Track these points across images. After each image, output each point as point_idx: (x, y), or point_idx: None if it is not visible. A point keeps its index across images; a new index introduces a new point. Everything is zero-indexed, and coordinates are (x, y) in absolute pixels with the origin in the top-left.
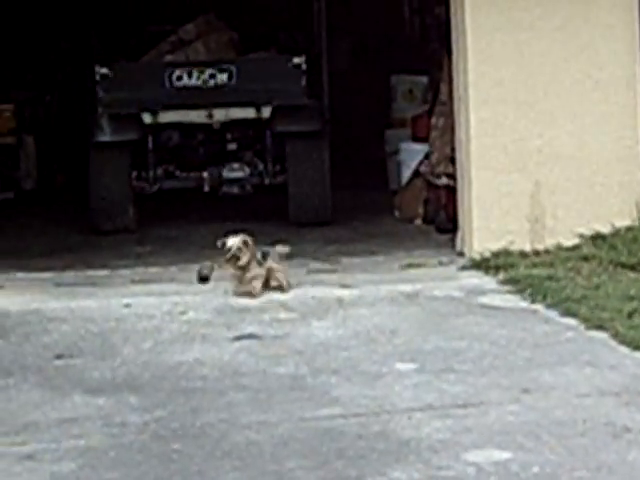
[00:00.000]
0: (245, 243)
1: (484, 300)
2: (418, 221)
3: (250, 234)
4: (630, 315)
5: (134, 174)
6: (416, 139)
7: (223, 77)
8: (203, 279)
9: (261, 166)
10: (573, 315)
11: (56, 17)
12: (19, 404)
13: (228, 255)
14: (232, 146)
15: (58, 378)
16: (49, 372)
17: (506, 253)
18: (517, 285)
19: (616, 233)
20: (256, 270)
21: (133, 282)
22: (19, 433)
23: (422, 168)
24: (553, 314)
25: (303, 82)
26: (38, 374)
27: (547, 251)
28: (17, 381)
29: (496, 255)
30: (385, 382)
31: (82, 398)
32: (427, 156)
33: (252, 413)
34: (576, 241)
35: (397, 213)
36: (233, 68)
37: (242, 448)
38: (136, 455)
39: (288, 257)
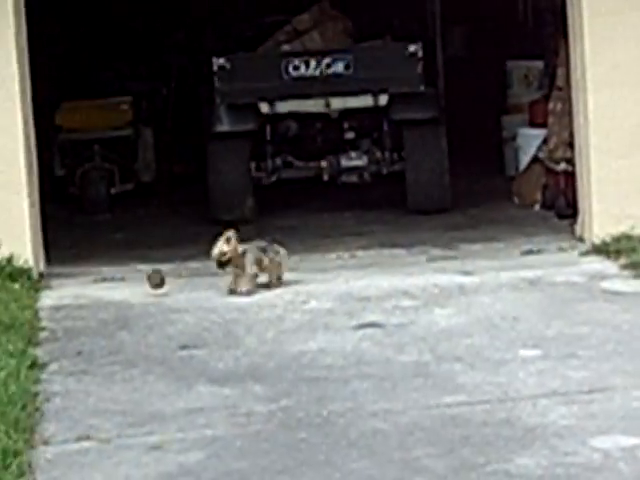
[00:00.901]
0: (227, 240)
1: (606, 285)
2: (537, 207)
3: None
4: None
5: (253, 164)
6: (533, 124)
7: (340, 66)
8: (157, 286)
9: (379, 154)
10: None
11: (172, 9)
12: (145, 395)
13: (216, 263)
14: (349, 135)
15: (182, 369)
16: (173, 363)
17: (627, 238)
18: (639, 270)
19: None
20: (250, 269)
21: None
22: (145, 424)
23: (540, 154)
24: None
25: (419, 69)
26: (162, 365)
27: None
28: (142, 372)
29: (617, 240)
30: (509, 369)
31: (207, 388)
32: (545, 141)
33: (377, 401)
34: None
35: (516, 199)
36: (349, 57)
37: (368, 436)
38: (262, 444)
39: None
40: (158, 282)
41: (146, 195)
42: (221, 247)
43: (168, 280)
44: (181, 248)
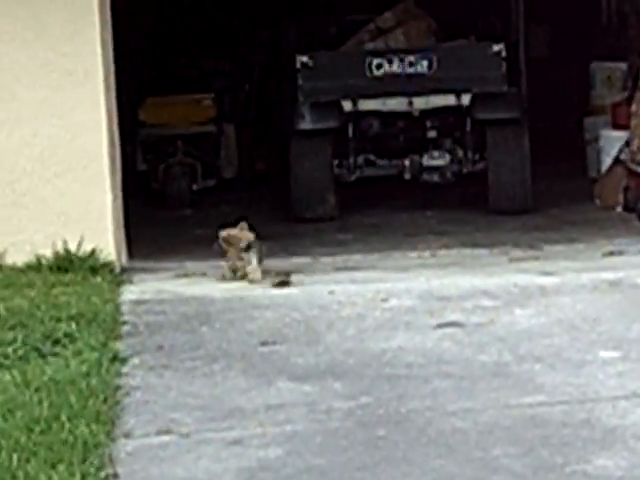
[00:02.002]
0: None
1: None
2: (618, 209)
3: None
4: None
5: (335, 162)
6: (616, 126)
7: (423, 65)
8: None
9: (461, 154)
10: None
11: (255, 6)
12: (225, 390)
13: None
14: (432, 134)
15: (263, 364)
16: (254, 359)
17: None
18: None
19: None
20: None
21: (336, 269)
22: (225, 419)
23: (622, 155)
24: None
25: (503, 69)
26: (243, 360)
27: None
28: (222, 367)
29: None
30: (589, 370)
31: (287, 384)
32: (627, 143)
33: (457, 400)
34: None
35: (597, 201)
36: (433, 56)
37: (447, 435)
38: (342, 441)
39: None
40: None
41: (228, 191)
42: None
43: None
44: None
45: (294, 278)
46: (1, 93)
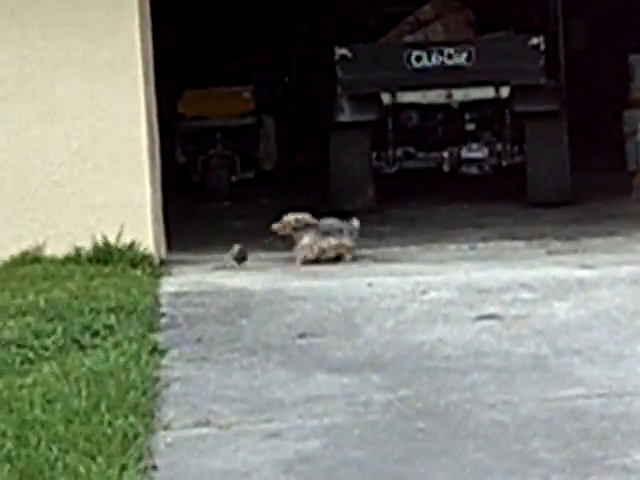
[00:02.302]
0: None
1: None
2: None
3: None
4: None
5: (374, 154)
6: None
7: (462, 57)
8: (239, 260)
9: (499, 146)
10: None
11: None
12: (263, 382)
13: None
14: (470, 126)
15: (301, 357)
16: (292, 351)
17: None
18: None
19: None
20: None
21: (374, 261)
22: (264, 411)
23: None
24: None
25: (541, 62)
26: (281, 353)
27: None
28: (261, 360)
29: None
30: (628, 364)
31: (326, 377)
32: None
33: (495, 393)
34: None
35: (635, 194)
36: (472, 48)
37: (486, 428)
38: (380, 434)
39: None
40: (240, 257)
41: (267, 184)
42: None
43: (288, 269)
44: None
45: (333, 269)
46: (41, 86)
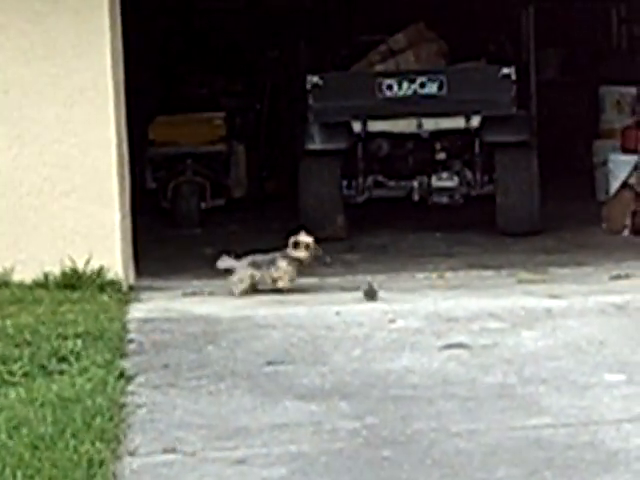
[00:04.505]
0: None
1: None
2: (626, 232)
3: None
4: None
5: (344, 183)
6: (625, 150)
7: (433, 87)
8: (370, 296)
9: (469, 176)
10: None
11: (265, 27)
12: (230, 409)
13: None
14: (441, 155)
15: (269, 384)
16: (260, 378)
17: None
18: None
19: None
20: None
21: (343, 290)
22: (230, 438)
23: (631, 180)
24: None
25: (512, 92)
26: (249, 380)
27: None
28: (228, 386)
29: None
30: (594, 393)
31: (293, 404)
32: (636, 167)
33: (461, 421)
34: None
35: (604, 224)
36: (443, 78)
37: (451, 456)
38: (347, 461)
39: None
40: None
41: (237, 211)
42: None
43: (256, 297)
44: None
45: (301, 297)
46: (10, 111)
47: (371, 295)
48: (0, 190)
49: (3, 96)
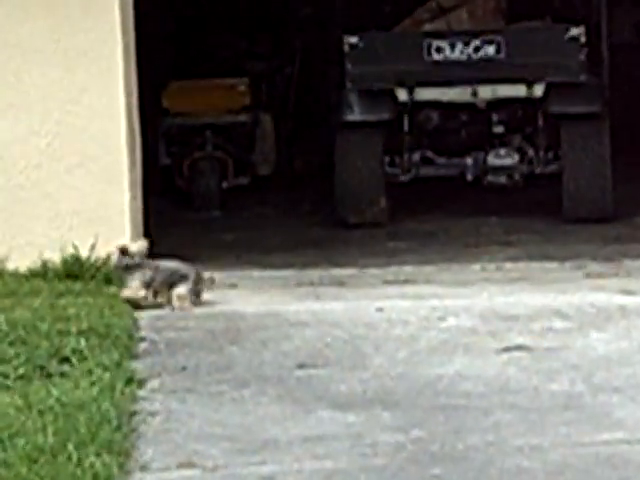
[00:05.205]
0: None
1: None
2: None
3: None
4: None
5: (386, 159)
6: None
7: (490, 49)
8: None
9: (531, 152)
10: None
11: None
12: (257, 419)
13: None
14: (499, 129)
15: (300, 390)
16: (290, 383)
17: None
18: None
19: None
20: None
21: (385, 283)
22: (257, 451)
23: None
24: None
25: (581, 56)
26: (277, 385)
27: None
28: (254, 393)
29: None
30: None
31: (328, 413)
32: None
33: (522, 435)
34: None
35: None
36: (501, 39)
37: (511, 475)
38: None
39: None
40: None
41: (263, 191)
42: None
43: (285, 290)
44: (301, 253)
45: (337, 291)
46: (5, 75)
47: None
48: None
49: None
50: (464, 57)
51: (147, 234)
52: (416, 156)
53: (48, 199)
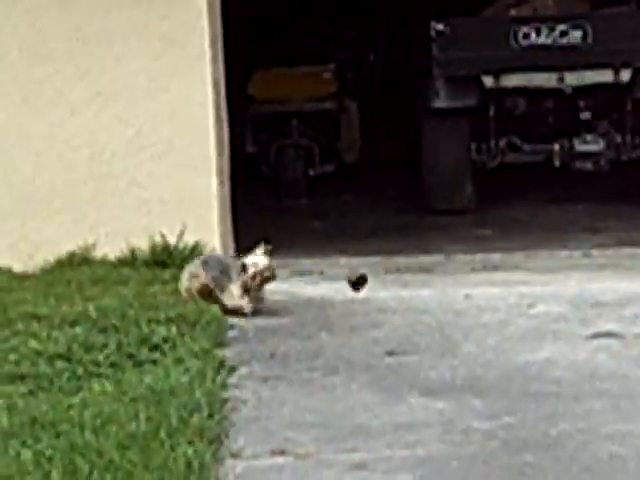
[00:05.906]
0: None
1: None
2: None
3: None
4: None
5: (473, 146)
6: None
7: (576, 35)
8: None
9: (618, 138)
10: None
11: None
12: (347, 406)
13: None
14: (585, 115)
15: (390, 377)
16: (380, 370)
17: None
18: None
19: None
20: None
21: (473, 270)
22: (348, 439)
23: None
24: None
25: None
26: (367, 372)
27: None
28: (344, 380)
29: None
30: None
31: (418, 401)
32: None
33: (614, 422)
34: None
35: None
36: (588, 24)
37: (603, 462)
38: (481, 467)
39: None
40: (358, 283)
41: (349, 178)
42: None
43: (373, 276)
44: (388, 240)
45: (425, 278)
46: (90, 64)
47: (356, 285)
48: (79, 154)
49: (81, 47)
50: (550, 43)
51: (234, 222)
52: (503, 142)
53: (135, 187)
